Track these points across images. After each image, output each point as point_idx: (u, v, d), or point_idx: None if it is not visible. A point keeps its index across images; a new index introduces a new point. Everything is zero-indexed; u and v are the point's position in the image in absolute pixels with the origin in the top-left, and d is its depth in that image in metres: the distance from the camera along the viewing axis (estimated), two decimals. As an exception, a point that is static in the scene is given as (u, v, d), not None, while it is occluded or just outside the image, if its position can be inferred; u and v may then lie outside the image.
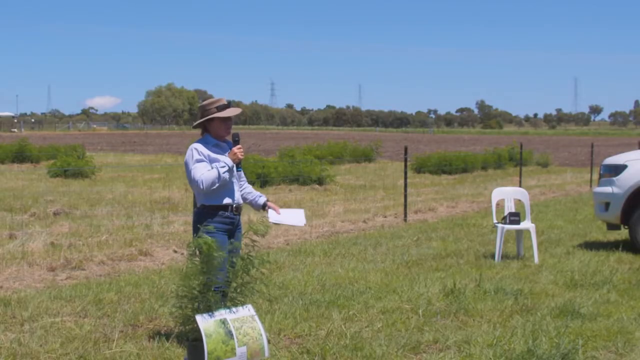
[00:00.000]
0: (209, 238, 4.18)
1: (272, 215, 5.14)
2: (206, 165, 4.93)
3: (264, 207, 5.26)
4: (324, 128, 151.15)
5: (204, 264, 4.19)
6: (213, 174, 4.88)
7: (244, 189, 5.27)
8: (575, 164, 31.44)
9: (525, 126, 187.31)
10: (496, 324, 5.91)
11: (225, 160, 4.95)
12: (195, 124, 5.20)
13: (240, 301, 4.31)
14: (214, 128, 5.08)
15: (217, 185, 4.90)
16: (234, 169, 5.04)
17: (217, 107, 5.04)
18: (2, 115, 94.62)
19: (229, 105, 5.09)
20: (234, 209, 5.08)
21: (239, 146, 5.02)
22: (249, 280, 4.34)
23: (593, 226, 11.84)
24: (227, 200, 5.03)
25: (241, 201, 5.18)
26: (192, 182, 4.93)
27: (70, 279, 7.65)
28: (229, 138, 5.16)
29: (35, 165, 26.24)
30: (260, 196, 5.31)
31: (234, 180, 5.11)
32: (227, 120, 5.08)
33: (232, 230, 5.09)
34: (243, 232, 4.75)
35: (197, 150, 4.99)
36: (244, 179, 5.30)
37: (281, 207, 5.34)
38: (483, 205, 15.12)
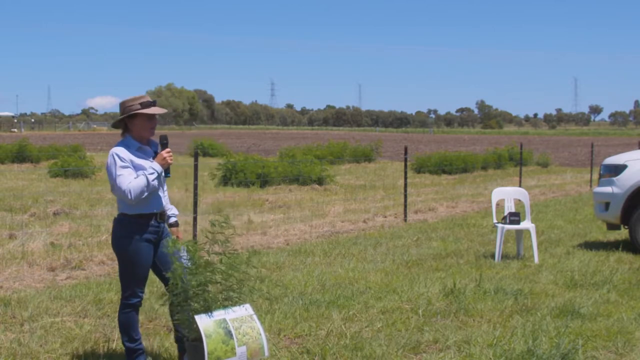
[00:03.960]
0: (190, 241, 4.15)
1: None
2: (132, 172, 4.49)
3: (170, 226, 4.84)
4: (324, 128, 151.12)
5: (193, 264, 4.19)
6: (141, 182, 4.45)
7: (165, 197, 4.81)
8: (575, 164, 31.44)
9: (525, 126, 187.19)
10: (496, 324, 5.91)
11: (153, 166, 4.54)
12: (114, 122, 4.73)
13: (238, 300, 4.30)
14: (137, 127, 4.60)
15: (146, 194, 4.49)
16: (162, 174, 4.62)
17: (140, 104, 4.56)
18: (2, 115, 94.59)
19: (154, 103, 4.63)
20: (159, 217, 4.66)
21: (167, 150, 4.61)
22: (245, 278, 4.33)
23: (593, 226, 11.84)
24: (151, 209, 4.59)
25: (166, 208, 4.78)
26: (118, 191, 4.46)
27: (70, 279, 7.65)
28: (156, 139, 4.76)
29: (36, 165, 26.26)
30: (173, 216, 4.85)
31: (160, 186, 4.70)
32: (151, 118, 4.60)
33: (158, 239, 4.67)
34: (212, 232, 4.36)
35: (118, 155, 4.52)
36: (166, 185, 4.88)
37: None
38: (483, 205, 15.12)
